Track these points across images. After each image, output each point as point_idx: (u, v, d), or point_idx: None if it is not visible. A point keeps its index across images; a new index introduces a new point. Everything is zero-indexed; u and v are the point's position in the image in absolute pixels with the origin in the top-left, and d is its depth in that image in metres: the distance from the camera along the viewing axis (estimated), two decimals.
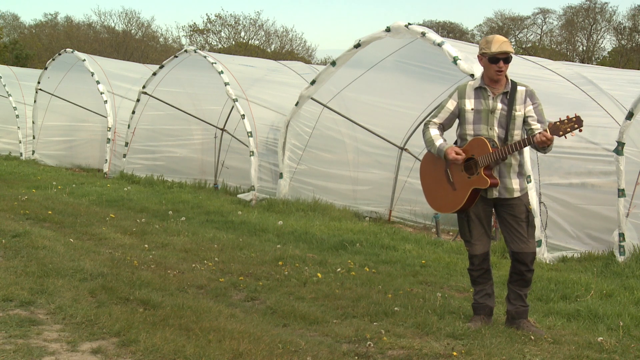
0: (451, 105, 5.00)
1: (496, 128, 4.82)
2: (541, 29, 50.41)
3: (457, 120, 5.06)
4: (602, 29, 46.83)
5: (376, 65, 10.43)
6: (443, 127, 5.07)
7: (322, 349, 4.29)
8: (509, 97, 4.82)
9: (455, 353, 4.28)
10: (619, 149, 7.44)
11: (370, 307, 5.29)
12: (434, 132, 5.01)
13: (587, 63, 38.43)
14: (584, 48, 46.80)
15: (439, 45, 8.63)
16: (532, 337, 4.65)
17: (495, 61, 4.79)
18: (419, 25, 9.33)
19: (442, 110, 5.04)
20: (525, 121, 4.82)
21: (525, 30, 50.72)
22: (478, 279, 5.03)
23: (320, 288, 5.89)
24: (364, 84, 10.76)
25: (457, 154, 4.85)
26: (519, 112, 4.81)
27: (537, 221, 7.70)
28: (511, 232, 4.90)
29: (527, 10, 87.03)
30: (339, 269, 6.64)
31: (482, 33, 50.03)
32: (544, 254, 7.63)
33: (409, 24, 9.15)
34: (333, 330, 4.72)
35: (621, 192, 7.41)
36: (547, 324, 5.07)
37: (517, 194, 4.87)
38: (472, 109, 4.89)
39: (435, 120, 5.05)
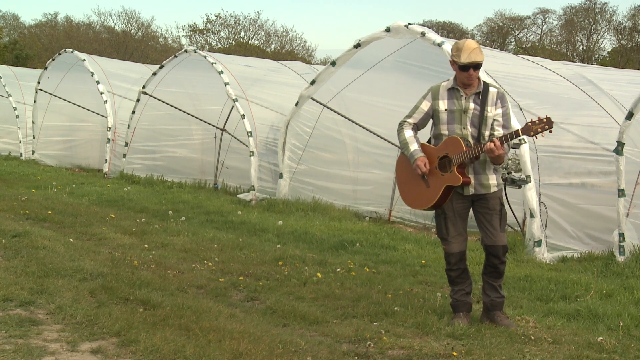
0: (425, 106, 5.12)
1: (469, 127, 4.92)
2: (541, 29, 50.48)
3: (431, 120, 5.17)
4: (602, 29, 46.89)
5: (376, 65, 10.43)
6: (417, 127, 5.20)
7: (322, 349, 4.29)
8: (482, 98, 4.93)
9: (455, 353, 4.28)
10: (619, 149, 7.44)
11: (370, 307, 5.29)
12: (408, 133, 5.15)
13: (587, 63, 38.43)
14: (584, 48, 46.83)
15: (439, 45, 8.63)
16: (532, 337, 4.66)
17: (465, 69, 4.87)
18: (419, 25, 9.33)
19: (416, 111, 5.17)
20: (491, 125, 4.92)
21: (525, 30, 50.79)
22: (456, 279, 5.09)
23: (320, 288, 5.89)
24: (363, 84, 10.76)
25: (424, 165, 4.97)
26: (490, 112, 4.92)
27: (537, 221, 7.70)
28: (484, 225, 5.00)
29: (527, 10, 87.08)
30: (339, 269, 6.64)
31: (482, 33, 50.09)
32: (544, 254, 7.63)
33: (409, 24, 9.15)
34: (333, 330, 4.73)
35: (621, 192, 7.41)
36: (547, 324, 5.07)
37: (493, 189, 4.98)
38: (445, 110, 5.00)
39: (409, 120, 5.18)
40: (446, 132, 4.99)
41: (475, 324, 4.96)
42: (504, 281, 6.18)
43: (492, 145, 4.70)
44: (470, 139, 4.90)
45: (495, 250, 4.96)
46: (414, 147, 5.08)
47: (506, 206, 5.29)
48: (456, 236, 5.03)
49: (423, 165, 4.99)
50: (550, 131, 4.71)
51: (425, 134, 5.28)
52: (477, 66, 4.86)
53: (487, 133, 4.91)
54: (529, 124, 4.71)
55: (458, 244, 5.04)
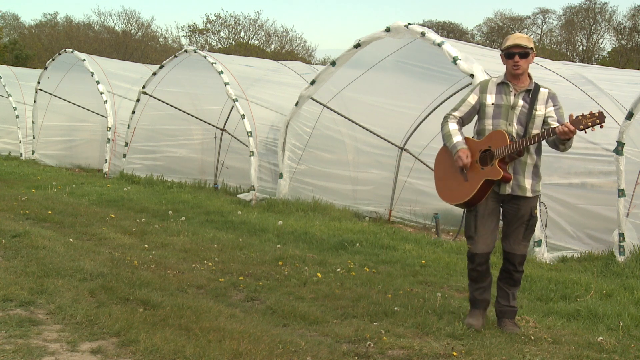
0: (472, 99, 4.99)
1: (515, 124, 4.80)
2: (541, 29, 50.49)
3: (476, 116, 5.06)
4: (602, 29, 46.91)
5: (376, 65, 10.43)
6: (462, 121, 5.06)
7: (322, 349, 4.29)
8: (532, 96, 4.82)
9: (455, 353, 4.28)
10: (619, 149, 7.44)
11: (370, 307, 5.29)
12: (452, 126, 5.01)
13: (587, 63, 38.43)
14: (584, 48, 46.83)
15: (439, 45, 8.63)
16: (532, 337, 4.66)
17: (510, 56, 4.81)
18: (419, 25, 9.33)
19: (463, 104, 5.04)
20: (545, 121, 4.80)
21: (525, 30, 50.71)
22: (477, 278, 4.99)
23: (320, 288, 5.89)
24: (363, 84, 10.76)
25: (466, 157, 4.84)
26: (540, 111, 4.79)
27: (537, 222, 7.69)
28: (509, 230, 4.91)
29: (527, 10, 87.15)
30: (339, 269, 6.64)
31: (482, 33, 50.15)
32: (544, 254, 7.63)
33: (409, 24, 9.15)
34: (333, 330, 4.72)
35: (621, 192, 7.41)
36: (547, 324, 5.07)
37: (528, 194, 4.83)
38: (492, 104, 4.87)
39: (455, 113, 5.04)
40: (491, 128, 4.85)
41: None
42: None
43: (565, 128, 4.49)
44: (515, 136, 4.76)
45: (511, 258, 4.90)
46: (457, 138, 4.93)
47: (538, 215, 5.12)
48: (484, 235, 4.87)
49: (465, 156, 4.84)
50: (602, 126, 4.49)
51: (468, 131, 5.17)
52: (523, 54, 4.77)
53: (534, 132, 4.76)
54: (580, 117, 4.50)
55: (485, 245, 4.87)
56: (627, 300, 5.80)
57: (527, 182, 4.83)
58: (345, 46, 10.35)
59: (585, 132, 4.61)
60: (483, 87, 4.97)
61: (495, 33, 49.58)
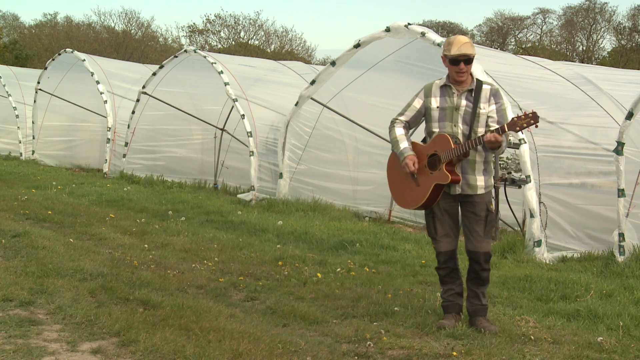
0: (417, 103, 5.07)
1: (460, 125, 4.87)
2: (541, 29, 50.51)
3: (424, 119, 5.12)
4: (602, 29, 46.91)
5: (376, 65, 10.43)
6: (409, 126, 5.14)
7: (322, 349, 4.29)
8: (474, 95, 4.87)
9: (455, 353, 4.28)
10: (619, 149, 7.44)
11: (370, 307, 5.29)
12: (399, 131, 5.09)
13: (587, 63, 38.43)
14: (584, 48, 46.84)
15: (439, 45, 8.63)
16: (532, 337, 4.65)
17: (455, 63, 4.84)
18: (419, 25, 9.34)
19: (408, 109, 5.11)
20: (485, 122, 4.87)
21: (525, 30, 50.80)
22: (445, 278, 5.05)
23: (320, 288, 5.89)
24: (363, 84, 10.77)
25: (413, 164, 4.93)
26: (483, 110, 4.86)
27: (537, 221, 7.70)
28: (469, 230, 4.94)
29: (527, 10, 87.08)
30: (339, 269, 6.64)
31: (482, 33, 50.11)
32: (543, 254, 7.63)
33: (409, 24, 9.16)
34: (333, 330, 4.73)
35: (621, 192, 7.41)
36: (547, 324, 5.06)
37: (480, 191, 4.89)
38: (437, 107, 4.95)
39: (401, 118, 5.12)
40: (437, 130, 4.93)
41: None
42: (504, 281, 6.19)
43: (492, 137, 4.61)
44: (460, 137, 4.84)
45: (476, 256, 4.92)
46: (403, 145, 5.03)
47: (496, 211, 5.16)
48: (444, 235, 4.98)
49: (412, 164, 4.94)
50: (536, 126, 4.65)
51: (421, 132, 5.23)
52: (468, 60, 4.82)
53: (480, 130, 4.83)
54: (515, 119, 4.66)
55: (446, 243, 4.99)
56: (627, 300, 5.79)
57: (478, 180, 4.89)
58: (345, 46, 10.37)
59: (522, 133, 4.70)
60: (427, 91, 5.03)
61: (495, 33, 49.58)
